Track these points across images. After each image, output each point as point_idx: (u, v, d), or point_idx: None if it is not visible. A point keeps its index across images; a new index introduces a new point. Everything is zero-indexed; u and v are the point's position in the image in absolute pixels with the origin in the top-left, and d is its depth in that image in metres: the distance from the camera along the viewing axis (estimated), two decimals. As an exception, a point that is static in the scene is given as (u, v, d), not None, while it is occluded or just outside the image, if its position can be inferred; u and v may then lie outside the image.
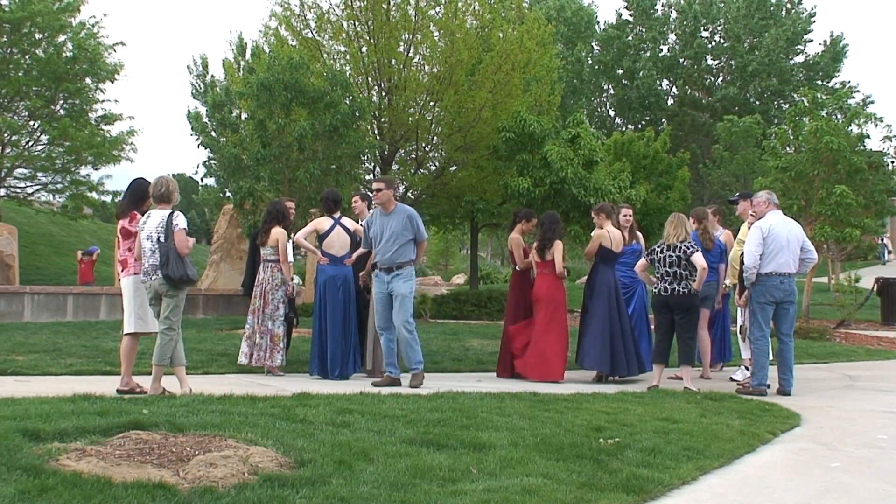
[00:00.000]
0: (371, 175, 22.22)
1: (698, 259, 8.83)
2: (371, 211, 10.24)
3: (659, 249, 9.05)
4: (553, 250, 9.71)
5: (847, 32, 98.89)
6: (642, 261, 9.45)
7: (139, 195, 7.87)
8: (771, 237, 8.70)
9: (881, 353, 13.82)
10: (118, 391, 7.32)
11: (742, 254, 8.91)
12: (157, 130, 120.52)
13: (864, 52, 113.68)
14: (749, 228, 9.36)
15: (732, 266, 9.85)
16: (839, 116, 19.05)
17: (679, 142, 38.24)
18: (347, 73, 19.63)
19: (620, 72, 44.84)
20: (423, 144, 21.70)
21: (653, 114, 43.83)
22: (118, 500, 3.87)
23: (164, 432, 5.12)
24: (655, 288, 9.10)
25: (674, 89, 45.65)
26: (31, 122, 25.86)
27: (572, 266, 10.32)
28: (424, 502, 4.12)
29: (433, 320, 19.44)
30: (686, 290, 8.86)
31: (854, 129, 19.12)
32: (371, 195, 9.58)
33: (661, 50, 45.33)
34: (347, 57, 20.66)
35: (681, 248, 8.88)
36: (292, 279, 9.78)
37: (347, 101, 17.25)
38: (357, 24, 20.11)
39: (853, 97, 21.01)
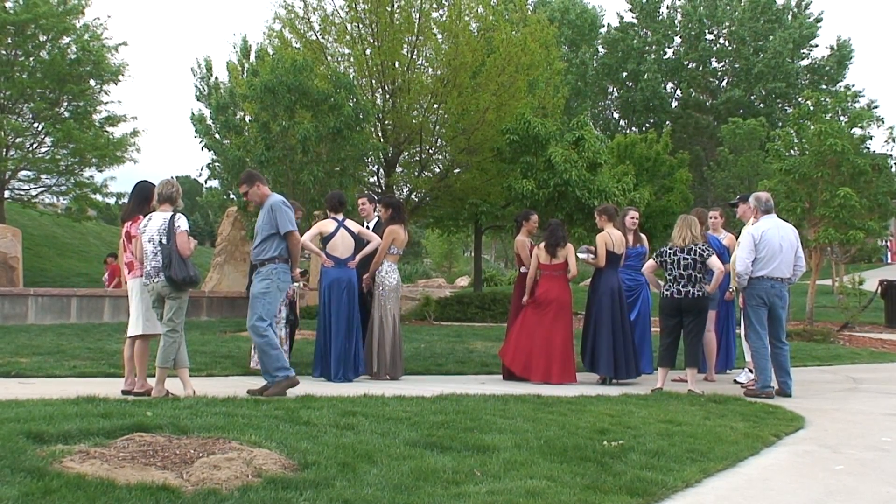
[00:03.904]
0: (375, 178, 22.25)
1: (715, 262, 8.77)
2: (376, 213, 10.27)
3: (671, 252, 8.91)
4: (567, 251, 9.73)
5: (854, 37, 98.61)
6: (651, 262, 9.37)
7: (142, 198, 7.88)
8: (763, 243, 8.67)
9: (885, 355, 13.79)
10: (134, 393, 7.33)
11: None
12: (160, 132, 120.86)
13: (870, 57, 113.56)
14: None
15: (734, 270, 9.82)
16: (842, 119, 19.03)
17: (683, 144, 38.25)
18: (351, 76, 19.66)
19: (625, 74, 44.84)
20: (427, 147, 21.72)
21: (657, 116, 43.83)
22: (122, 502, 3.87)
23: (168, 434, 5.13)
24: (667, 290, 8.99)
25: (678, 92, 45.63)
26: (36, 125, 25.92)
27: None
28: (428, 505, 4.12)
29: (437, 322, 19.44)
30: (700, 293, 8.81)
31: (857, 131, 19.10)
32: (377, 197, 9.49)
33: (666, 52, 45.32)
34: (351, 59, 20.70)
35: (696, 250, 8.81)
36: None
37: (351, 104, 17.27)
38: (361, 26, 20.15)
39: (858, 101, 20.97)
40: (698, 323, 8.95)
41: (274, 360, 7.58)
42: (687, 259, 8.81)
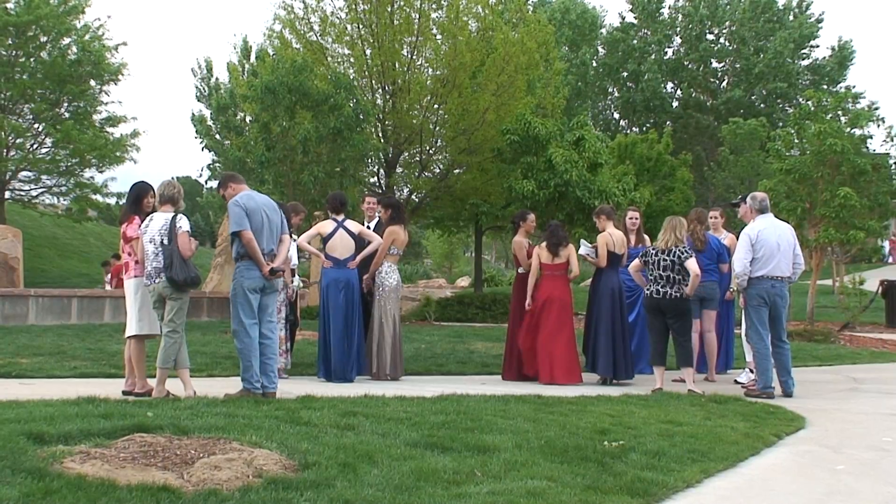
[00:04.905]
0: (375, 178, 22.26)
1: (692, 265, 8.78)
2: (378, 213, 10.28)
3: (654, 252, 8.97)
4: (569, 251, 9.72)
5: (855, 38, 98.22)
6: (636, 261, 9.39)
7: (134, 197, 7.86)
8: (760, 243, 8.69)
9: (886, 355, 13.78)
10: (135, 394, 7.33)
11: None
12: (161, 133, 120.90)
13: (871, 59, 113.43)
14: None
15: (734, 271, 9.82)
16: (843, 119, 19.03)
17: (683, 144, 38.23)
18: (351, 76, 19.68)
19: (625, 74, 44.82)
20: (428, 147, 21.73)
21: (657, 116, 43.79)
22: (122, 502, 3.88)
23: (169, 435, 5.13)
24: (648, 290, 9.03)
25: (678, 92, 45.61)
26: (36, 125, 25.95)
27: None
28: (428, 505, 4.12)
29: (437, 323, 19.43)
30: (678, 295, 8.81)
31: (857, 131, 19.10)
32: (379, 198, 9.45)
33: (666, 53, 45.30)
34: (351, 60, 20.73)
35: (675, 252, 8.84)
36: (293, 281, 9.77)
37: (351, 104, 17.28)
38: (360, 27, 20.17)
39: (859, 102, 20.98)
40: (683, 324, 8.96)
41: (244, 368, 7.37)
42: (666, 261, 8.83)
